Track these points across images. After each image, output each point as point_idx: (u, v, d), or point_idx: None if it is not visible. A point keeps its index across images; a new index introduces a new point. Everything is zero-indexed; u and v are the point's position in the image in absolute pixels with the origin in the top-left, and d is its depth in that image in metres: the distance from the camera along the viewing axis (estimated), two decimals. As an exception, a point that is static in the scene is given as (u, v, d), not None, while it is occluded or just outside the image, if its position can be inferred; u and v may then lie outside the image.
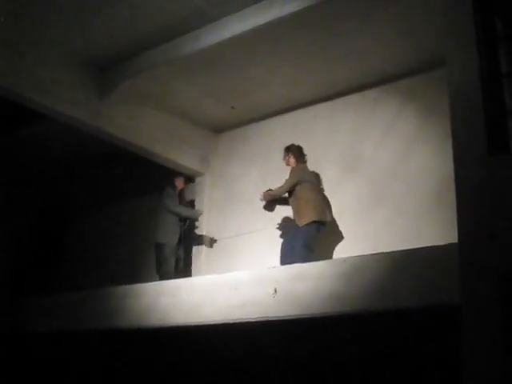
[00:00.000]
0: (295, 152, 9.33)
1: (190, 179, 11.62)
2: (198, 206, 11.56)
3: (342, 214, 9.54)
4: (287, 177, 9.16)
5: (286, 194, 9.13)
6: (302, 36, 8.74)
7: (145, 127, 10.75)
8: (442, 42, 5.58)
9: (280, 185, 9.16)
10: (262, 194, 9.38)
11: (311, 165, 9.76)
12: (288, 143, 9.78)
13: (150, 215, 11.63)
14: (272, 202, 9.37)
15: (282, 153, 9.65)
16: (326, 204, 9.11)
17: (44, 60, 9.40)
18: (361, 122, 9.94)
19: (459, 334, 4.49)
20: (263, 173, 10.72)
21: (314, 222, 8.68)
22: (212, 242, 11.19)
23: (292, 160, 9.30)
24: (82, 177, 13.46)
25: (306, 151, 9.89)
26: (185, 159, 11.38)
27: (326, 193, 9.66)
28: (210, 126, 11.75)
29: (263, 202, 9.43)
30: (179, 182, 10.71)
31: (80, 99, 9.87)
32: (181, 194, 10.87)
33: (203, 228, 11.30)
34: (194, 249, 11.32)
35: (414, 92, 9.47)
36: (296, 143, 9.76)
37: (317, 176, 9.49)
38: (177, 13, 8.61)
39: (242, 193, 11.10)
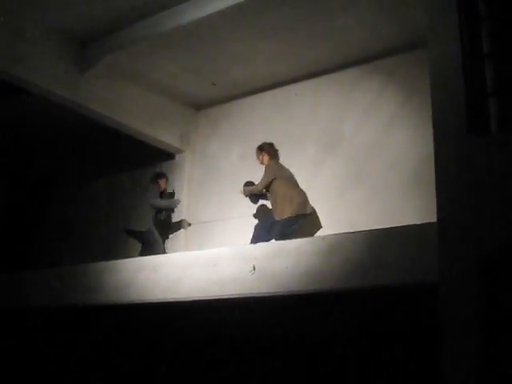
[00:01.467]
0: (268, 150, 9.20)
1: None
2: (177, 182, 11.55)
3: (322, 191, 9.57)
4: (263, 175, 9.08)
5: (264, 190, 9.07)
6: (283, 13, 8.71)
7: (125, 103, 10.71)
8: (423, 21, 5.58)
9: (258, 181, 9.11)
10: (242, 189, 9.34)
11: (291, 143, 9.78)
12: (269, 121, 9.75)
13: (130, 192, 11.67)
14: (254, 195, 9.33)
15: (262, 130, 9.63)
16: (303, 197, 9.00)
17: (24, 34, 9.31)
18: (342, 101, 9.96)
19: (437, 312, 4.55)
20: (244, 150, 10.71)
21: (290, 217, 8.61)
22: (187, 224, 11.18)
23: (266, 158, 9.14)
24: (64, 151, 13.35)
25: (286, 129, 9.89)
26: (165, 136, 11.36)
27: (306, 171, 9.69)
28: (191, 102, 11.71)
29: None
30: (162, 183, 10.64)
31: (60, 74, 9.80)
32: (163, 193, 10.81)
33: (183, 205, 11.29)
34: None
35: (395, 72, 9.49)
36: (277, 121, 9.73)
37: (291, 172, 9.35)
38: (159, -13, 8.58)
39: (222, 170, 11.11)
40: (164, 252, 10.06)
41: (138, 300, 7.76)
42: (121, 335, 8.97)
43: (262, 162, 9.14)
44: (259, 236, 8.70)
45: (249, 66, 10.24)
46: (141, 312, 8.12)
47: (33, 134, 12.79)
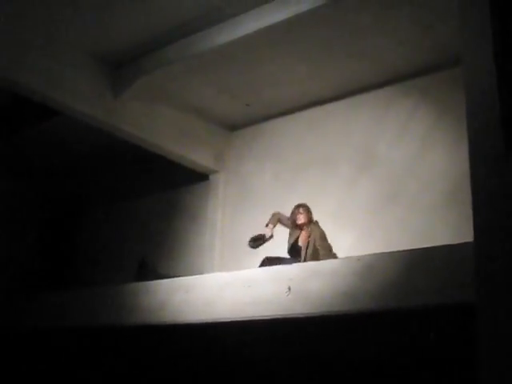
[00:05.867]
0: None
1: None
2: (212, 202, 11.60)
3: (357, 212, 9.53)
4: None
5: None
6: (316, 34, 8.73)
7: (159, 124, 10.78)
8: (457, 40, 5.56)
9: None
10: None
11: (325, 163, 9.79)
12: (302, 141, 9.82)
13: (162, 212, 11.72)
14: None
15: (295, 150, 9.68)
16: None
17: (58, 57, 9.44)
18: (375, 121, 9.92)
19: (475, 333, 4.48)
20: (277, 170, 10.75)
21: None
22: None
23: None
24: (96, 173, 13.49)
25: (319, 149, 9.97)
26: (199, 157, 11.40)
27: (340, 191, 9.78)
28: (225, 123, 11.75)
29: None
30: None
31: (94, 96, 9.90)
32: None
33: (217, 225, 11.31)
34: (208, 248, 11.32)
35: (428, 91, 9.43)
36: (310, 141, 9.81)
37: None
38: (193, 10, 8.65)
39: (255, 190, 11.12)
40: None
41: (172, 321, 7.76)
42: (155, 357, 8.96)
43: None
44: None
45: (282, 86, 10.26)
46: (175, 333, 8.11)
47: (67, 154, 12.95)
